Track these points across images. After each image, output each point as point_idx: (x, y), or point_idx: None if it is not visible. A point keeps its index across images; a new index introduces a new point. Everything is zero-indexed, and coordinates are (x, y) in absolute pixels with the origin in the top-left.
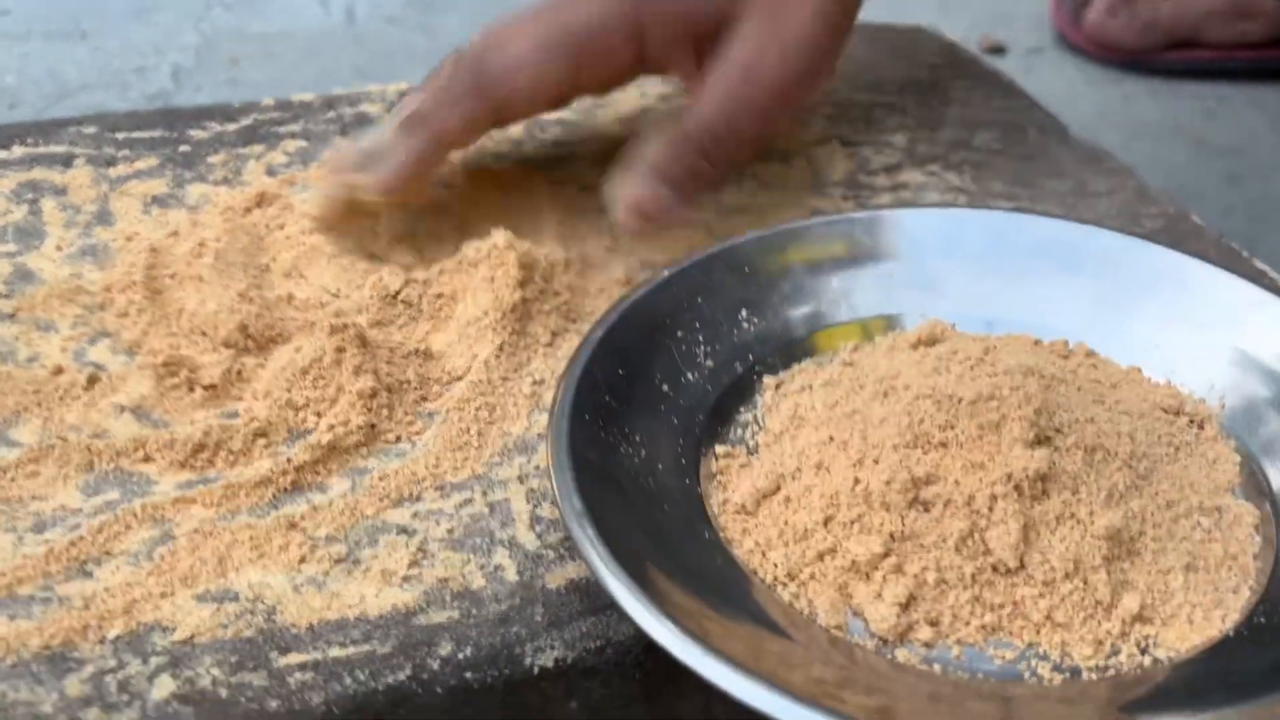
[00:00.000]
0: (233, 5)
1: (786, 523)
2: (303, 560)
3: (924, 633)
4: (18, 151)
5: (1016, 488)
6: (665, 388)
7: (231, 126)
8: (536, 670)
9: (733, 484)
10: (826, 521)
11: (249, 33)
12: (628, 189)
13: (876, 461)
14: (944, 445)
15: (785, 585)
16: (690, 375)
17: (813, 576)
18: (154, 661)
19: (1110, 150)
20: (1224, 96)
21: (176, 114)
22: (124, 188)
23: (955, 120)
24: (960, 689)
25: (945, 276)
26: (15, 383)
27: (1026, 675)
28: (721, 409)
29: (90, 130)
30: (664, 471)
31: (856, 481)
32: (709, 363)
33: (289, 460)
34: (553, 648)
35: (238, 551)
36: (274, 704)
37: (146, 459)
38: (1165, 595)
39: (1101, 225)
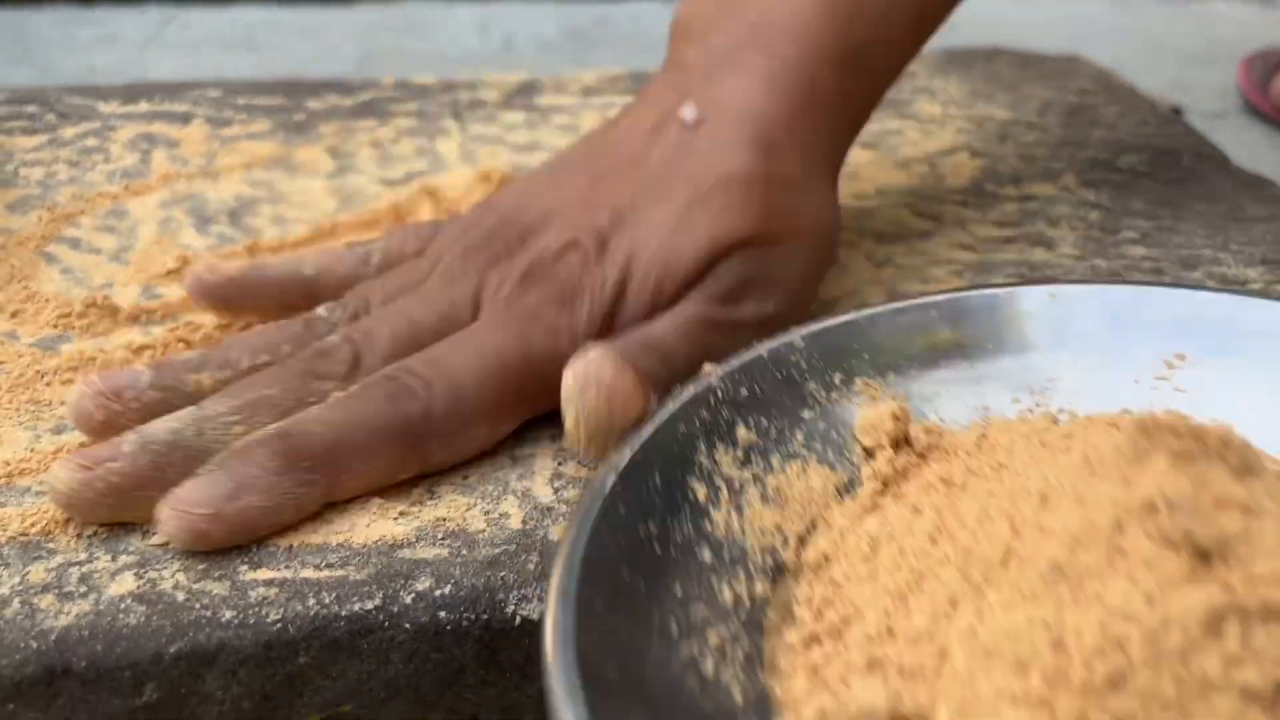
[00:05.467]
0: (396, 27)
1: None
2: None
3: None
4: (143, 107)
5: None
6: (704, 553)
7: (348, 101)
8: (519, 620)
9: (824, 705)
10: None
11: (407, 52)
12: (603, 362)
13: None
14: (1147, 638)
15: None
16: (737, 527)
17: None
18: (122, 560)
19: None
20: None
21: (297, 85)
22: (232, 146)
23: (1100, 141)
24: None
25: (1054, 372)
26: (74, 303)
27: None
28: (783, 572)
29: (214, 94)
30: (715, 682)
31: (1011, 698)
32: (763, 507)
33: None
34: (540, 599)
35: None
36: (228, 614)
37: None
38: None
39: (1257, 294)
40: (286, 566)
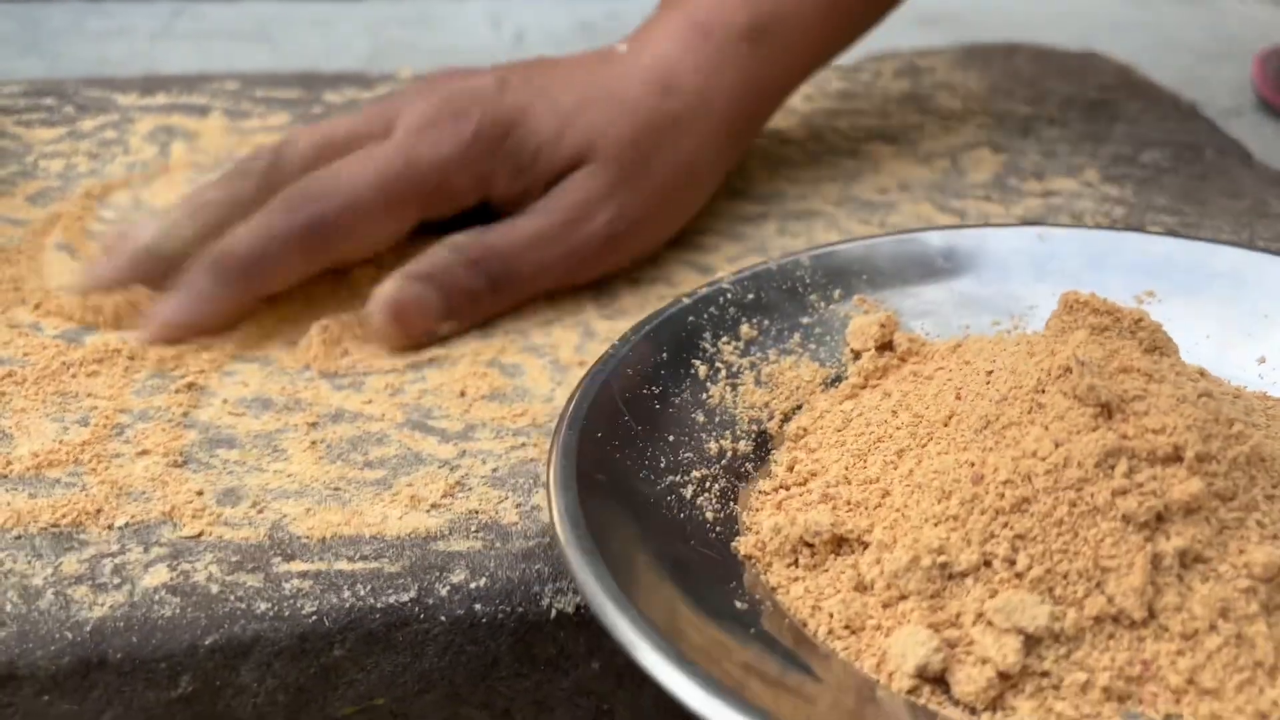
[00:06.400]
0: (408, 21)
1: (848, 568)
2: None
3: (1026, 699)
4: (161, 99)
5: (1145, 521)
6: (698, 415)
7: (366, 94)
8: (554, 614)
9: (779, 521)
10: (906, 569)
11: (419, 46)
12: (392, 287)
13: (956, 494)
14: (1050, 471)
15: (841, 639)
16: (729, 400)
17: (878, 627)
18: (155, 551)
19: None
20: None
21: (315, 78)
22: (249, 139)
23: (1122, 136)
24: None
25: (1034, 300)
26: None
27: None
28: (767, 439)
29: (232, 87)
30: (691, 503)
31: (933, 520)
32: (755, 388)
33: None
34: (575, 592)
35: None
36: (263, 606)
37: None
38: None
39: (1229, 242)
40: (320, 558)
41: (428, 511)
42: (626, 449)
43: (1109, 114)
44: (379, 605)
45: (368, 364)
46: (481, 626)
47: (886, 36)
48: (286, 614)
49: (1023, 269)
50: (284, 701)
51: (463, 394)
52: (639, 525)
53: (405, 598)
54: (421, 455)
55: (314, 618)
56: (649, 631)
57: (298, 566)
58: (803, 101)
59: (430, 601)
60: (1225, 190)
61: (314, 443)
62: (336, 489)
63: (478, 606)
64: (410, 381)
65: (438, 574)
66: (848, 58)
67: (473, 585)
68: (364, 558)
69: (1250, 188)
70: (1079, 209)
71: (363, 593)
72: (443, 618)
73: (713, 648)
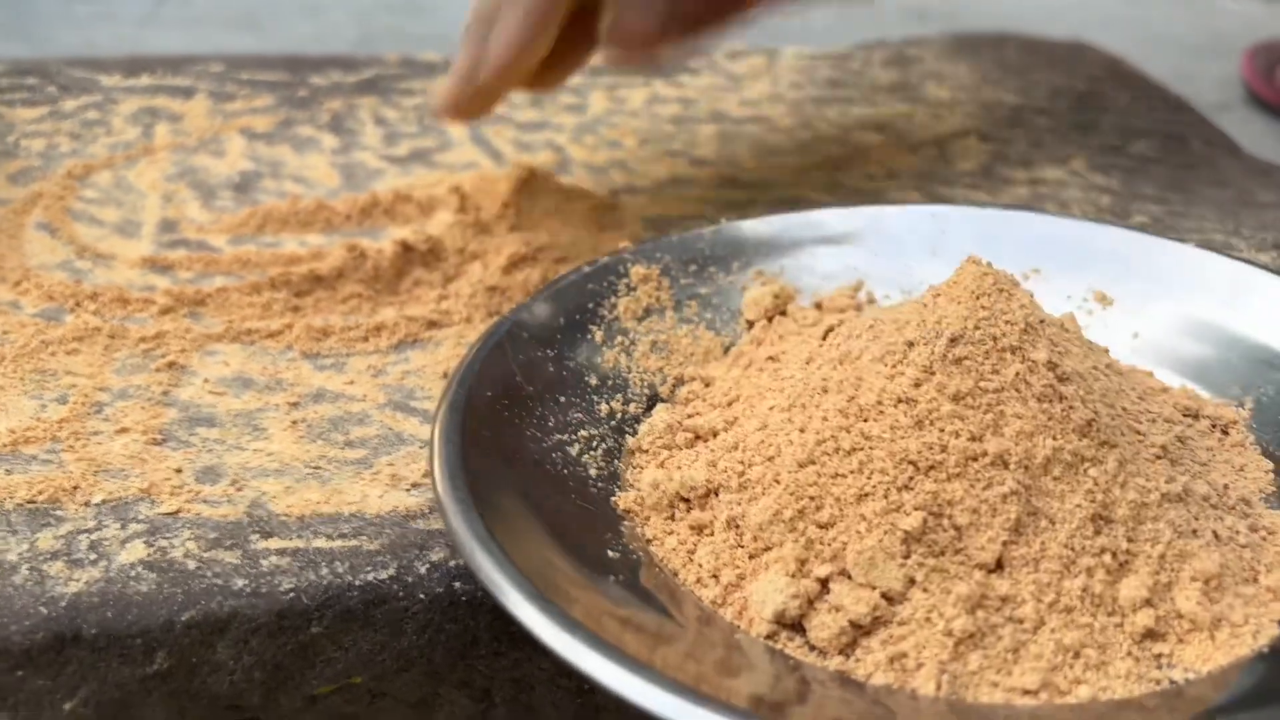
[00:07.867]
0: (397, 9)
1: (719, 519)
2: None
3: (877, 645)
4: (145, 80)
5: (1022, 464)
6: (591, 377)
7: (352, 77)
8: None
9: (658, 476)
10: (770, 521)
11: (407, 34)
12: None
13: (828, 440)
14: (933, 420)
15: (709, 587)
16: (624, 365)
17: (744, 576)
18: (132, 528)
19: None
20: None
21: (301, 61)
22: (233, 122)
23: (1110, 127)
24: (923, 711)
25: (926, 277)
26: (77, 272)
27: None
28: (658, 402)
29: (217, 69)
30: (576, 460)
31: (800, 465)
32: (650, 353)
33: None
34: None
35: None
36: (240, 583)
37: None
38: (1181, 607)
39: (1107, 222)
40: (299, 536)
41: (408, 491)
42: (516, 408)
43: (1097, 104)
44: (357, 582)
45: (349, 345)
46: (461, 604)
47: (877, 27)
48: (264, 591)
49: (917, 246)
50: (261, 679)
51: (445, 375)
52: (520, 479)
53: (384, 575)
54: (403, 435)
55: (292, 594)
56: (515, 576)
57: (276, 544)
58: (791, 89)
59: (409, 579)
60: (1211, 180)
61: (295, 422)
62: (316, 468)
63: (457, 584)
64: (393, 363)
65: (417, 552)
66: (838, 46)
67: (452, 563)
68: (343, 535)
69: (1236, 178)
70: (1066, 198)
71: (341, 570)
72: (421, 595)
73: (581, 594)
